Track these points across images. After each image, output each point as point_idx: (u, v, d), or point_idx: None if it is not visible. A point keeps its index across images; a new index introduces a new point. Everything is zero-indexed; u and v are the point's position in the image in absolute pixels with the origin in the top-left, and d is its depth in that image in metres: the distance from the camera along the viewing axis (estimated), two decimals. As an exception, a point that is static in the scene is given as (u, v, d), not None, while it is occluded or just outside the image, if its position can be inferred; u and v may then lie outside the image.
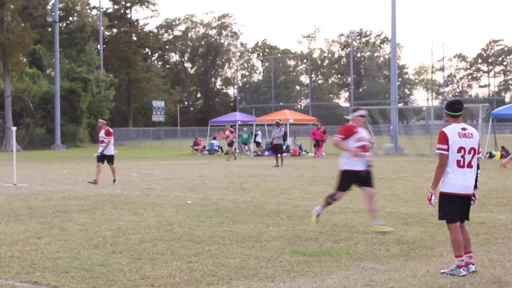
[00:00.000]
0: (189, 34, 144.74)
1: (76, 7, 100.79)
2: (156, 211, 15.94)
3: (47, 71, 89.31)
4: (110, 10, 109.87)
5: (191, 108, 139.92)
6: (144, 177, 27.62)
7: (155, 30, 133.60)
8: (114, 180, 24.47)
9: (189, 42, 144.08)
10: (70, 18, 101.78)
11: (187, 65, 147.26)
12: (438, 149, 9.31)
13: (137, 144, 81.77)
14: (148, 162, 41.52)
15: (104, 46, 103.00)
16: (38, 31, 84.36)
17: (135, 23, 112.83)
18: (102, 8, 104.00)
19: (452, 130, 9.32)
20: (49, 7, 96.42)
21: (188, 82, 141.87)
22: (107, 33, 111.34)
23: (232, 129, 46.20)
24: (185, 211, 15.90)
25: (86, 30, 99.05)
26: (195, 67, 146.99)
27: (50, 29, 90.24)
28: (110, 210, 16.12)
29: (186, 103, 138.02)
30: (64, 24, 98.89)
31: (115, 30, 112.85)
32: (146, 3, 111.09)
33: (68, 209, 16.32)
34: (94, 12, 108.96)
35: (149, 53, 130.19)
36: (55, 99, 73.40)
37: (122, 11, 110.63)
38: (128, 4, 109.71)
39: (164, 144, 78.63)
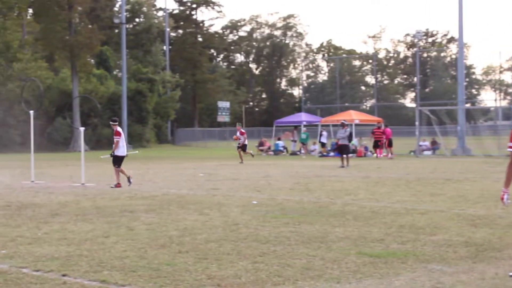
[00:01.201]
0: (254, 35, 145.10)
1: (142, 9, 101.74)
2: (222, 211, 15.99)
3: (114, 72, 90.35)
4: (176, 11, 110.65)
5: (256, 109, 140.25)
6: (210, 177, 27.73)
7: (220, 31, 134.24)
8: (116, 185, 23.36)
9: (254, 43, 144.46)
10: (137, 20, 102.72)
11: (252, 65, 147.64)
12: (509, 147, 9.13)
13: (202, 144, 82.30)
14: (213, 162, 41.70)
15: (170, 47, 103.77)
16: (105, 32, 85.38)
17: (201, 24, 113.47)
18: (168, 9, 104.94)
19: (523, 127, 9.13)
20: (116, 8, 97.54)
21: (253, 82, 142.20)
22: (173, 34, 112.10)
23: (243, 130, 42.27)
24: (250, 211, 15.91)
25: (152, 31, 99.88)
26: (260, 68, 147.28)
27: (117, 31, 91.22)
28: (177, 210, 16.22)
29: (251, 103, 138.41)
30: (131, 26, 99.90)
31: (180, 31, 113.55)
32: (211, 4, 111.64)
33: (135, 209, 16.47)
34: (160, 13, 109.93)
35: (215, 54, 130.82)
36: (122, 99, 74.23)
37: (187, 12, 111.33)
38: (194, 6, 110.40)
39: (229, 144, 78.93)
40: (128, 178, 23.77)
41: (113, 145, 24.06)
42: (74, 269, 9.58)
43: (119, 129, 24.17)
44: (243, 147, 41.43)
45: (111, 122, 24.70)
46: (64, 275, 9.18)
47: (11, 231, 13.02)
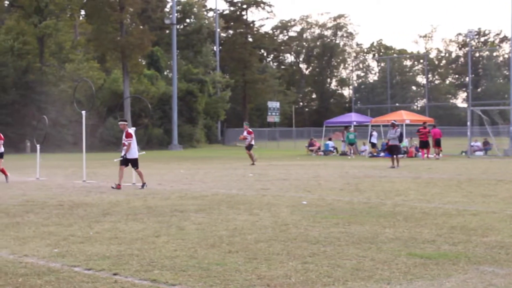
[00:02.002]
0: (304, 35, 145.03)
1: (193, 9, 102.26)
2: (272, 211, 15.98)
3: (165, 73, 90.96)
4: (226, 12, 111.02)
5: (306, 109, 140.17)
6: (260, 178, 27.75)
7: (271, 31, 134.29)
8: (143, 185, 23.22)
9: (304, 43, 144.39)
10: (187, 20, 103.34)
11: (302, 65, 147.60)
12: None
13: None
14: (263, 162, 41.66)
15: (220, 47, 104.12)
16: (156, 33, 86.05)
17: (251, 25, 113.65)
18: (218, 10, 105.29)
19: None
20: (167, 9, 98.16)
21: (303, 82, 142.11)
22: (223, 34, 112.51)
23: (250, 130, 41.27)
24: (300, 211, 15.89)
25: (202, 32, 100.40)
26: (310, 68, 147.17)
27: (167, 31, 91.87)
28: (226, 210, 16.24)
29: (301, 103, 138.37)
30: (181, 26, 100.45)
31: (231, 32, 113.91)
32: (262, 5, 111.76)
33: (185, 209, 16.53)
34: (210, 14, 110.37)
35: (265, 54, 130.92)
36: (172, 100, 74.68)
37: (238, 12, 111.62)
38: (244, 6, 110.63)
39: (279, 145, 78.93)
40: (118, 185, 23.03)
41: (125, 148, 23.43)
42: (125, 268, 9.64)
43: (130, 130, 23.72)
44: (248, 147, 40.50)
45: (120, 122, 24.25)
46: (115, 274, 9.25)
47: (63, 230, 13.16)
